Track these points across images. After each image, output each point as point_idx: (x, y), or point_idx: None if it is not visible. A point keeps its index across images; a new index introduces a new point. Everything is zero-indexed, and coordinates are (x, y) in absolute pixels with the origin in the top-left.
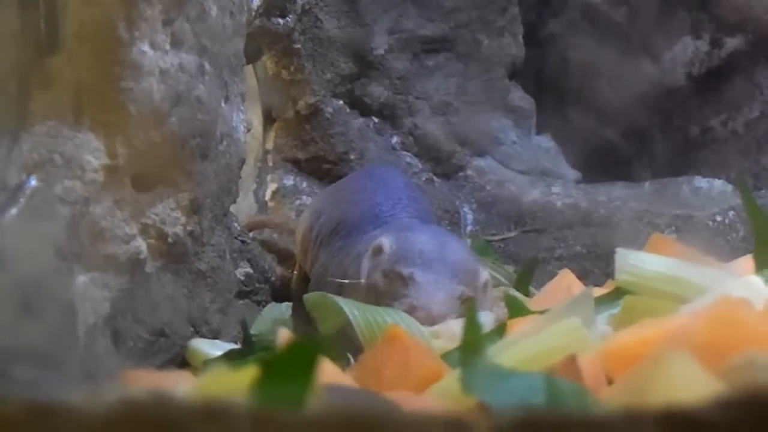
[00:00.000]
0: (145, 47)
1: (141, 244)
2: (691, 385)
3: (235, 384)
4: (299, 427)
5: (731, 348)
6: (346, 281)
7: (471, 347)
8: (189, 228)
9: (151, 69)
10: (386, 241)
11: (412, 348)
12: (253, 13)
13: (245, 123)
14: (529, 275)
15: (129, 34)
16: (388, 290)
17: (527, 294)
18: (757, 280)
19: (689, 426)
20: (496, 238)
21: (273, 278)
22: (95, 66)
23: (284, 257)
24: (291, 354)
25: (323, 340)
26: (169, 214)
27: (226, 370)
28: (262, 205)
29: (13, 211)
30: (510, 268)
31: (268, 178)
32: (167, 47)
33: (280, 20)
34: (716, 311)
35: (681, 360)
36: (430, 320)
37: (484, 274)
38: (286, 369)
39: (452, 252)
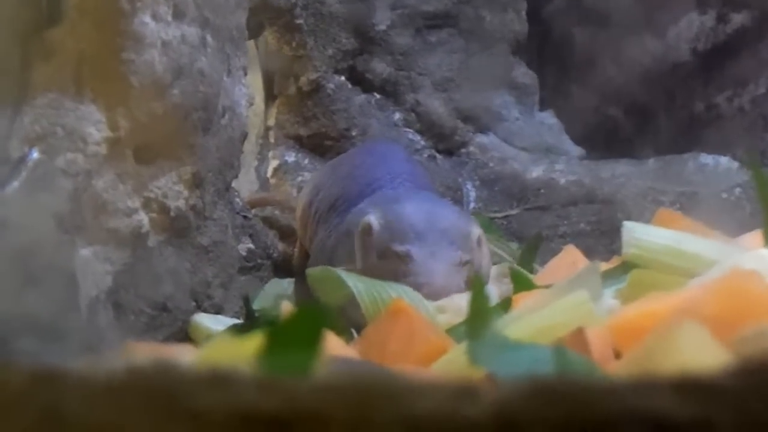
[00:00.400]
0: (147, 18)
1: (143, 218)
2: (703, 355)
3: (240, 353)
4: (306, 393)
5: (742, 320)
6: (342, 269)
7: (478, 319)
8: (191, 202)
9: (153, 41)
10: (374, 219)
11: (417, 322)
12: None
13: (248, 97)
14: (533, 252)
15: (131, 5)
16: (387, 272)
17: (531, 271)
18: (766, 253)
19: (706, 392)
20: (499, 215)
21: (275, 254)
22: (97, 37)
23: (286, 234)
24: (296, 322)
25: (328, 309)
26: (172, 188)
27: (229, 340)
28: (263, 182)
29: (15, 183)
30: (514, 245)
31: (270, 154)
32: (169, 19)
33: None
34: (726, 283)
35: (692, 331)
36: (436, 295)
37: (476, 230)
38: (292, 337)
39: (443, 217)
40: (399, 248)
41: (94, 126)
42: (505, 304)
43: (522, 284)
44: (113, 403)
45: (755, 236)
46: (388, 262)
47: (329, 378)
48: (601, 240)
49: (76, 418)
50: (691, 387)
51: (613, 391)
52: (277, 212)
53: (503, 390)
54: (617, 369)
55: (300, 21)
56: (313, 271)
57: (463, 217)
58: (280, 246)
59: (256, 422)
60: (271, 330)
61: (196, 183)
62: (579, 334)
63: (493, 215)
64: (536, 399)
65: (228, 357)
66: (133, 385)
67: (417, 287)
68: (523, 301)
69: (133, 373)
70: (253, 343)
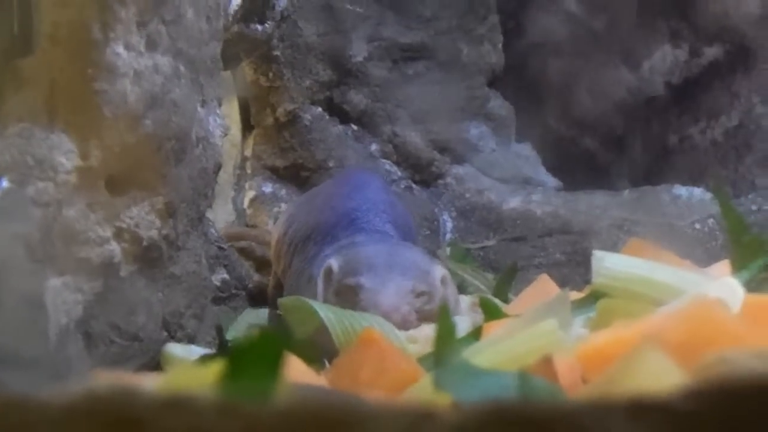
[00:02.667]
0: (120, 49)
1: (115, 248)
2: (664, 381)
3: (201, 379)
4: (266, 417)
5: (705, 347)
6: None
7: (444, 346)
8: (164, 232)
9: (126, 71)
10: (334, 262)
11: (388, 351)
12: (231, 18)
13: (222, 127)
14: (508, 282)
15: (103, 35)
16: (343, 306)
17: (506, 301)
18: (733, 281)
19: (659, 414)
20: (475, 246)
21: (250, 285)
22: (69, 67)
23: (262, 265)
24: (256, 347)
25: (288, 334)
26: (144, 218)
27: (191, 366)
28: (240, 213)
29: None
30: (490, 276)
31: (247, 185)
32: (142, 49)
33: (259, 27)
34: (691, 311)
35: (653, 356)
36: (384, 317)
37: (440, 270)
38: (252, 362)
39: (400, 255)
40: (351, 281)
41: (65, 155)
42: (476, 333)
43: (492, 313)
44: (75, 429)
45: (723, 265)
46: (343, 296)
47: (289, 403)
48: (577, 270)
49: None
50: (645, 409)
51: (569, 413)
52: (253, 244)
53: (462, 413)
54: (582, 393)
55: (277, 52)
56: (285, 301)
57: (424, 257)
58: (256, 277)
59: None
60: (232, 355)
61: (169, 213)
62: (547, 362)
63: (469, 246)
64: (493, 421)
65: (190, 382)
66: (95, 409)
67: (365, 312)
68: (493, 329)
69: (94, 398)
70: (215, 369)
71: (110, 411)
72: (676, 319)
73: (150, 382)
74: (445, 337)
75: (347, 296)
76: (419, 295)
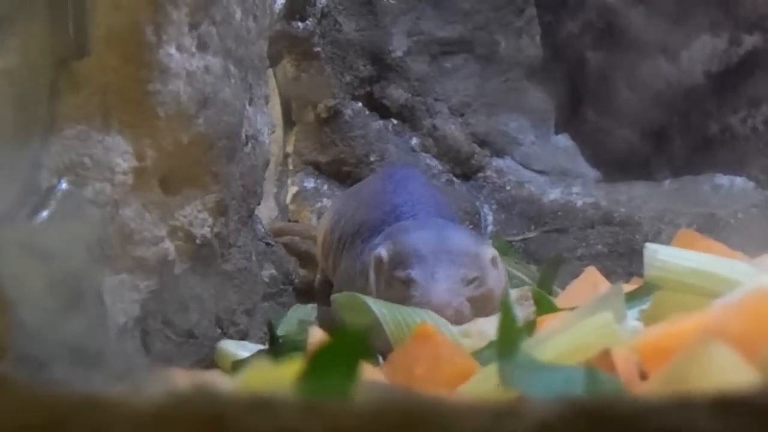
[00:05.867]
0: (172, 50)
1: (169, 246)
2: (731, 375)
3: (277, 378)
4: (349, 417)
5: (766, 339)
6: None
7: (508, 340)
8: (216, 230)
9: (178, 71)
10: (384, 251)
11: (442, 345)
12: (275, 16)
13: (269, 125)
14: (552, 274)
15: (156, 37)
16: (394, 299)
17: (551, 293)
18: None
19: (745, 410)
20: (517, 238)
21: (296, 280)
22: (123, 69)
23: (306, 260)
24: (336, 347)
25: (366, 334)
26: (197, 216)
27: (268, 365)
28: (282, 209)
29: (45, 213)
30: (533, 268)
31: (289, 181)
32: (193, 50)
33: (300, 24)
34: (750, 303)
35: (720, 351)
36: (440, 313)
37: (489, 250)
38: (332, 362)
39: (448, 240)
40: (401, 274)
41: (121, 156)
42: (530, 327)
43: (545, 307)
44: (161, 430)
45: None
46: (394, 289)
47: (371, 402)
48: (619, 262)
49: None
50: (731, 405)
51: (655, 411)
52: (297, 239)
53: (544, 410)
54: (645, 390)
55: (318, 49)
56: (339, 297)
57: (472, 238)
58: (301, 272)
59: None
60: (312, 355)
61: (221, 211)
62: (605, 356)
63: (510, 238)
64: (578, 418)
65: (266, 382)
66: (179, 411)
67: (419, 308)
68: (548, 323)
69: (177, 399)
70: (290, 368)
71: (195, 412)
72: (735, 311)
73: (224, 383)
74: (509, 331)
75: (398, 289)
76: (470, 282)
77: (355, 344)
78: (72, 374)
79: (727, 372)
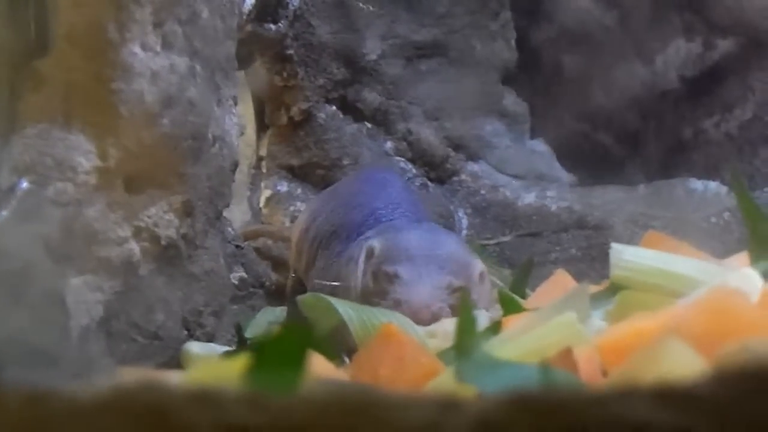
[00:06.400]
0: (136, 49)
1: (134, 247)
2: (687, 370)
3: (226, 373)
4: (293, 409)
5: (726, 337)
6: (339, 284)
7: (465, 339)
8: (182, 230)
9: (142, 70)
10: (377, 244)
11: (407, 346)
12: (245, 17)
13: (238, 126)
14: (525, 278)
15: (119, 35)
16: (376, 290)
17: (523, 296)
18: (752, 272)
19: (684, 400)
20: (491, 242)
21: (267, 283)
22: (86, 68)
23: (279, 264)
24: (281, 341)
25: (312, 328)
26: (162, 217)
27: (215, 360)
28: (256, 212)
29: (4, 213)
30: (506, 272)
31: (262, 184)
32: (158, 49)
33: (272, 26)
34: (711, 301)
35: (675, 347)
36: (416, 313)
37: (479, 265)
38: (277, 355)
39: (441, 246)
40: (389, 269)
41: (84, 156)
42: (495, 327)
43: (511, 307)
44: (102, 421)
45: (742, 257)
46: (379, 282)
47: (315, 394)
48: (593, 265)
49: None
50: (671, 395)
51: (594, 400)
52: (269, 242)
53: (485, 401)
54: (604, 385)
55: (290, 51)
56: (305, 298)
57: (464, 249)
58: (273, 276)
59: None
60: (257, 349)
61: (187, 211)
62: (567, 354)
63: (485, 242)
64: (518, 408)
65: (214, 376)
66: (121, 403)
67: (398, 304)
68: (512, 323)
69: (120, 392)
70: (239, 363)
71: (138, 404)
72: (696, 310)
73: (175, 378)
74: (467, 330)
75: (382, 282)
76: (455, 290)
77: (301, 338)
78: (26, 374)
79: (682, 367)
